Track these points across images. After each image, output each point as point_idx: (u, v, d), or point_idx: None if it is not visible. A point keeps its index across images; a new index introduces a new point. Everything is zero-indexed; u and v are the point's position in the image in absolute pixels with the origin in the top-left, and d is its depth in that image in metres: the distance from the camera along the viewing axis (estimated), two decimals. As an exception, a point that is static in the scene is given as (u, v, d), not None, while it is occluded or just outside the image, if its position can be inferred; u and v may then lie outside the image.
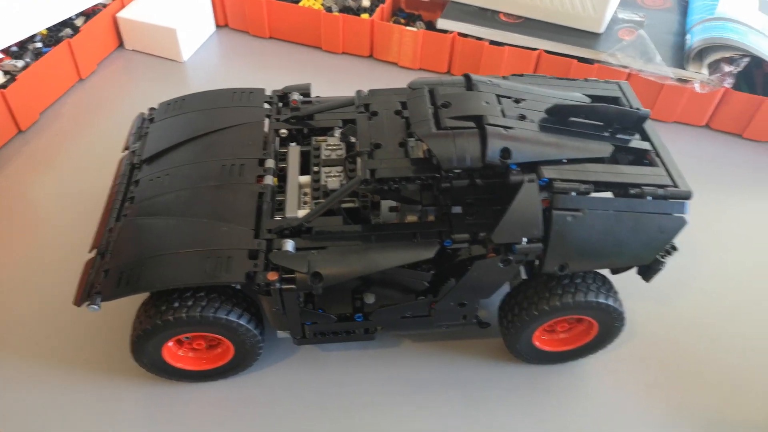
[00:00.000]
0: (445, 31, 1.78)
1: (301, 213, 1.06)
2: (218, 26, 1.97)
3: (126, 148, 1.25)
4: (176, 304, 0.98)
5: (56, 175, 1.50)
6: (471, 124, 0.99)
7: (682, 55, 1.64)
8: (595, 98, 1.15)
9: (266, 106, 1.25)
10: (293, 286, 0.96)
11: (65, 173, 1.50)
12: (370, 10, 1.90)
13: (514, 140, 0.97)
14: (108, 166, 1.49)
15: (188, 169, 1.13)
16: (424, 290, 1.05)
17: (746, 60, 1.60)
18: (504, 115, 1.01)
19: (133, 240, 1.03)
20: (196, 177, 1.11)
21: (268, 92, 1.29)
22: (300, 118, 1.22)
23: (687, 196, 1.00)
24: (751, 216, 1.48)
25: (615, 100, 1.17)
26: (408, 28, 1.79)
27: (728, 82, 1.57)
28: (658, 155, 1.06)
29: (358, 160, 1.09)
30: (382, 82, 1.80)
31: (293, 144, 1.19)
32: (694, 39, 1.62)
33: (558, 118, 1.03)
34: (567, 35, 1.71)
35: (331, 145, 1.15)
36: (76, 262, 1.29)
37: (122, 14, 1.80)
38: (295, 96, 1.25)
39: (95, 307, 0.97)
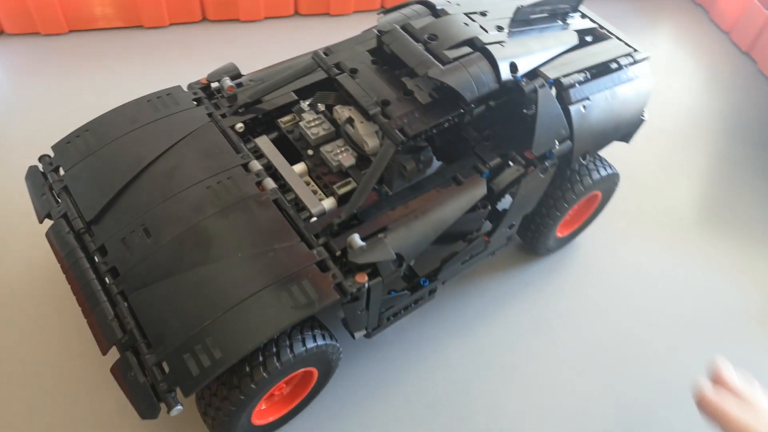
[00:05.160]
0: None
1: (327, 203, 0.94)
2: (-11, 36, 1.54)
3: (46, 217, 0.95)
4: (260, 358, 0.83)
5: None
6: (468, 49, 0.96)
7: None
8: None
9: (195, 104, 1.05)
10: (380, 278, 0.87)
11: None
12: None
13: (514, 53, 0.97)
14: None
15: (166, 209, 0.91)
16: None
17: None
18: (486, 31, 0.99)
19: (167, 315, 0.81)
20: (184, 214, 0.90)
21: (184, 88, 1.07)
22: (249, 105, 1.04)
23: (647, 57, 1.11)
24: None
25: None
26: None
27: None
28: (602, 27, 1.14)
29: (352, 126, 0.98)
30: (239, 45, 1.60)
31: (260, 136, 1.02)
32: None
33: (524, 21, 1.05)
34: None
35: (311, 122, 1.01)
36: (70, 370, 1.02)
37: None
38: (228, 82, 1.05)
39: (179, 407, 0.77)
